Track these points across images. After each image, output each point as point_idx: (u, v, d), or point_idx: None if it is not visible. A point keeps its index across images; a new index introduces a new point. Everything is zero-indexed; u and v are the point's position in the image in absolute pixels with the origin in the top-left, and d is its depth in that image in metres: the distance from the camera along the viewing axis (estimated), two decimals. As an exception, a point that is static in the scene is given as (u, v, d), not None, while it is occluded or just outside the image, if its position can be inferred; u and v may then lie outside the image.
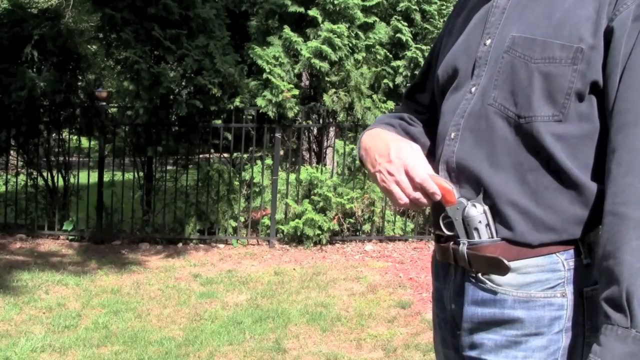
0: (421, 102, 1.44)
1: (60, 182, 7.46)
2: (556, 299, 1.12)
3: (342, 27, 6.99)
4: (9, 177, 7.58)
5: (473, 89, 1.19)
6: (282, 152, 7.52)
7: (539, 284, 1.12)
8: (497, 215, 1.14)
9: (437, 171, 1.23)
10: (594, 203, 1.10)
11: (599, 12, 1.07)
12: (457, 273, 1.21)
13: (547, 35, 1.10)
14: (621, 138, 1.03)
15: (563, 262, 1.12)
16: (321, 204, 6.72)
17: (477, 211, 1.15)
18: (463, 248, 1.17)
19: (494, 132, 1.14)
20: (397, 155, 1.19)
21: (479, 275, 1.16)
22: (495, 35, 1.17)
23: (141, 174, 7.35)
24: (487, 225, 1.15)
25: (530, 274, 1.12)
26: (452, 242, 1.20)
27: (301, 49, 7.00)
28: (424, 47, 7.37)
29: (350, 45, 7.13)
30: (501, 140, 1.13)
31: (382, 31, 7.40)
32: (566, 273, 1.12)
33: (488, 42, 1.18)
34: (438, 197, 1.18)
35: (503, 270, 1.13)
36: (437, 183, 1.18)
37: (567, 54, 1.08)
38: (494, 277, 1.14)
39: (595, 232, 1.15)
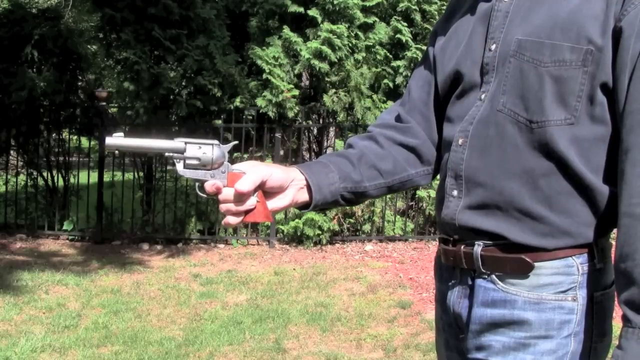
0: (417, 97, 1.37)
1: (60, 182, 7.46)
2: (567, 302, 1.11)
3: (341, 28, 6.98)
4: (9, 177, 7.59)
5: (482, 96, 1.17)
6: (282, 152, 7.52)
7: (552, 286, 1.11)
8: (512, 221, 1.13)
9: (444, 177, 1.22)
10: (607, 206, 1.09)
11: (606, 12, 1.05)
12: (464, 275, 1.20)
13: (554, 38, 1.08)
14: (633, 138, 1.02)
15: (578, 266, 1.11)
16: (321, 204, 6.72)
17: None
18: (477, 249, 1.15)
19: (504, 138, 1.12)
20: None
21: (492, 276, 1.15)
22: (500, 39, 1.15)
23: (141, 174, 7.35)
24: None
25: (544, 276, 1.11)
26: (463, 245, 1.18)
27: (301, 50, 7.00)
28: (424, 48, 7.35)
29: (350, 45, 7.13)
30: (512, 146, 1.12)
31: (382, 31, 7.40)
32: (579, 277, 1.11)
33: (493, 47, 1.16)
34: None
35: (527, 269, 1.12)
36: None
37: (577, 56, 1.07)
38: (506, 278, 1.14)
39: (608, 236, 1.14)
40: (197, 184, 1.19)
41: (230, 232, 7.00)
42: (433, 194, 6.95)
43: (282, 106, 6.88)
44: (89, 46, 7.91)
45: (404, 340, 4.20)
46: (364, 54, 7.26)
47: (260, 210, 1.18)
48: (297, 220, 6.72)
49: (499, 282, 1.14)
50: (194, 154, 1.17)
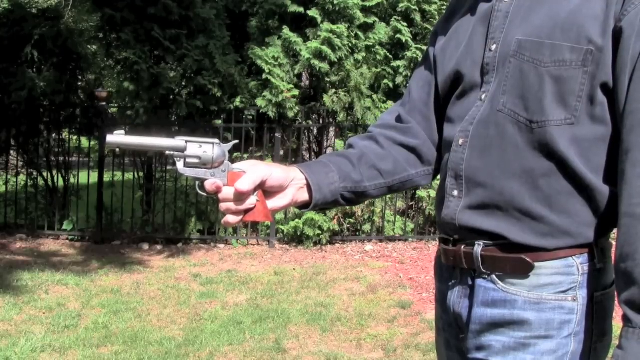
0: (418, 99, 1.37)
1: (60, 182, 7.46)
2: (567, 302, 1.11)
3: (341, 28, 6.98)
4: (9, 177, 7.59)
5: (483, 96, 1.17)
6: (282, 152, 7.52)
7: (552, 286, 1.11)
8: (512, 221, 1.12)
9: (444, 177, 1.22)
10: (607, 206, 1.09)
11: (606, 12, 1.05)
12: (464, 275, 1.20)
13: (554, 38, 1.08)
14: (634, 138, 1.02)
15: (578, 266, 1.11)
16: (321, 203, 6.71)
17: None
18: (478, 249, 1.16)
19: (504, 138, 1.12)
20: None
21: (493, 276, 1.15)
22: (500, 40, 1.16)
23: (141, 174, 7.35)
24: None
25: (544, 276, 1.11)
26: (463, 245, 1.18)
27: (301, 50, 7.00)
28: (424, 48, 7.35)
29: (350, 45, 7.13)
30: (512, 146, 1.12)
31: (382, 31, 7.40)
32: (580, 277, 1.11)
33: (493, 47, 1.17)
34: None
35: (527, 269, 1.11)
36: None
37: (577, 57, 1.07)
38: (506, 278, 1.14)
39: (608, 236, 1.14)
40: (197, 182, 1.19)
41: (230, 232, 7.00)
42: (433, 194, 6.95)
43: (282, 106, 6.88)
44: (89, 46, 7.92)
45: (404, 340, 4.20)
46: (364, 54, 7.26)
47: (260, 209, 1.18)
48: (297, 220, 6.72)
49: (499, 282, 1.14)
50: (195, 152, 1.17)
